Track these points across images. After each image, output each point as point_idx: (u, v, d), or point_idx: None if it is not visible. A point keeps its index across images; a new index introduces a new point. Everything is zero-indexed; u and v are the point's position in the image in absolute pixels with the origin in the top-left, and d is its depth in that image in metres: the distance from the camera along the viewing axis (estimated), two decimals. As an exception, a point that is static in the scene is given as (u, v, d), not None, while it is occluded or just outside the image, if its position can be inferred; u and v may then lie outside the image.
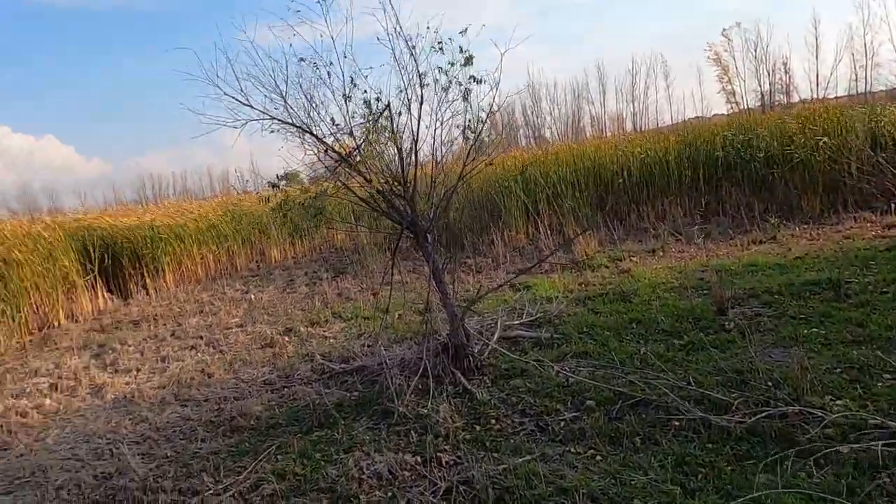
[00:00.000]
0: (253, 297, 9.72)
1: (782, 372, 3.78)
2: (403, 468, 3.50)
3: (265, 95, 4.24)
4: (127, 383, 6.10)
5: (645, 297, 6.18)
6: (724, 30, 43.85)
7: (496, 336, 5.32)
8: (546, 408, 3.96)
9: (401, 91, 4.40)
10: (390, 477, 3.43)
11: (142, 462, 4.20)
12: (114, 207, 13.46)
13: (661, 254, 8.55)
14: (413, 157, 4.47)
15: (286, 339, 6.91)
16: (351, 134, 4.39)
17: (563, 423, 3.73)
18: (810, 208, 9.80)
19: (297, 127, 4.29)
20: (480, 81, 4.59)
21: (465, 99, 4.64)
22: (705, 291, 6.08)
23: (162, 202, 18.85)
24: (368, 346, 6.07)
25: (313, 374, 5.52)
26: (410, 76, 4.41)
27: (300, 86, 4.34)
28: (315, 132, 4.32)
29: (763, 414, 3.26)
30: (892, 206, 8.64)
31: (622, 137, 14.89)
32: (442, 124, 4.70)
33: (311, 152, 4.44)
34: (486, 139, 4.95)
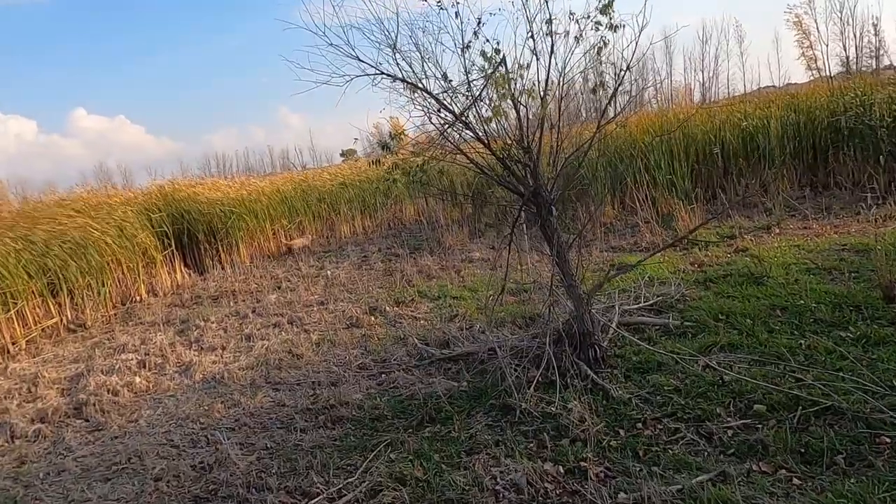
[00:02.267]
0: (329, 273, 9.43)
1: None
2: (545, 479, 2.99)
3: (376, 48, 3.73)
4: (214, 362, 5.86)
5: (780, 279, 5.41)
6: (806, -9, 40.73)
7: (615, 322, 4.72)
8: (703, 411, 3.35)
9: (525, 40, 3.79)
10: (531, 490, 2.92)
11: (241, 453, 3.87)
12: (181, 183, 13.48)
13: (777, 231, 7.65)
14: (539, 119, 3.87)
15: (373, 318, 6.51)
16: (468, 90, 3.82)
17: (731, 433, 3.12)
18: (949, 180, 8.60)
19: (407, 83, 3.76)
20: (616, 28, 3.92)
21: (599, 53, 4.00)
22: (855, 274, 5.26)
23: (227, 177, 18.97)
24: (466, 328, 5.57)
25: (411, 360, 5.09)
26: (538, 23, 3.78)
27: (410, 37, 3.79)
28: (427, 88, 3.78)
29: None
30: None
31: (718, 103, 13.68)
32: (568, 81, 4.06)
33: (421, 111, 3.90)
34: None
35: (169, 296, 9.54)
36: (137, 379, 5.53)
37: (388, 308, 6.82)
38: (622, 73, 3.85)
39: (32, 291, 7.76)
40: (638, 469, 2.93)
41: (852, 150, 9.75)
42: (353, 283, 8.56)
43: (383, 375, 4.87)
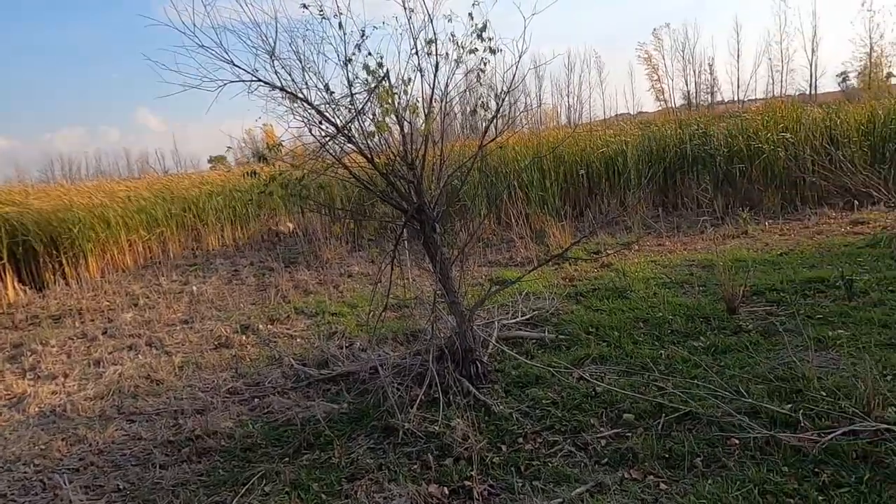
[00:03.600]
0: (195, 288, 8.72)
1: (835, 380, 3.49)
2: (429, 503, 2.93)
3: (252, 53, 3.49)
4: (54, 393, 5.14)
5: (641, 293, 5.85)
6: (654, 30, 45.51)
7: (494, 337, 4.81)
8: (579, 423, 3.48)
9: (410, 56, 3.76)
10: (416, 515, 2.85)
11: (86, 498, 3.40)
12: (17, 188, 11.84)
13: (637, 247, 8.32)
14: (423, 136, 3.85)
15: (244, 338, 6.10)
16: (351, 103, 3.70)
17: (604, 442, 3.27)
18: (772, 204, 9.91)
19: (287, 92, 3.56)
20: (495, 52, 4.02)
21: (479, 77, 4.08)
22: (702, 287, 5.83)
23: (75, 183, 17.00)
24: (347, 346, 5.40)
25: (287, 382, 4.80)
26: (422, 41, 3.78)
27: (290, 45, 3.61)
28: (308, 98, 3.61)
29: (839, 431, 2.92)
30: (854, 202, 8.81)
31: (583, 128, 14.69)
32: (449, 100, 4.10)
33: (301, 122, 3.71)
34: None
35: (-3, 316, 8.28)
36: (-47, 416, 4.69)
37: (261, 326, 6.43)
38: (504, 95, 3.96)
39: None
40: (520, 484, 2.96)
41: (695, 175, 10.93)
42: (223, 299, 7.99)
43: (256, 400, 4.54)
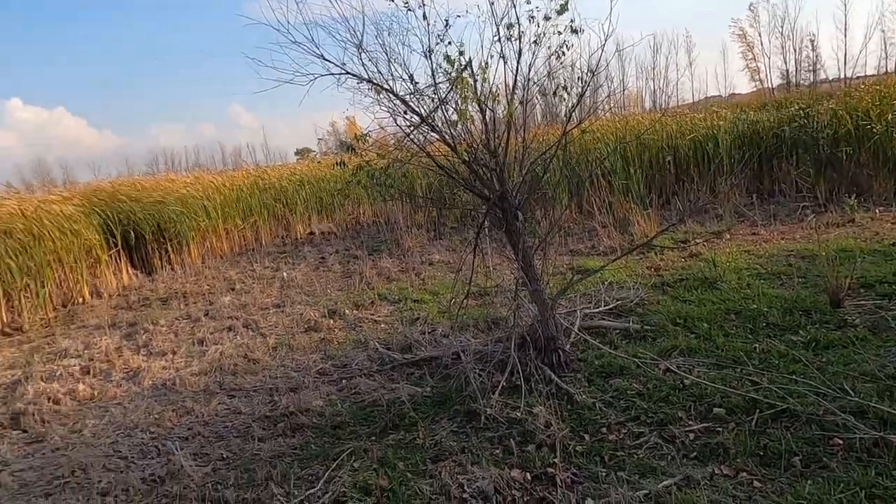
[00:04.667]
0: (285, 274, 9.20)
1: (957, 381, 3.20)
2: (512, 486, 2.97)
3: (341, 47, 3.63)
4: (164, 368, 5.61)
5: (733, 284, 5.58)
6: (750, 4, 42.47)
7: (576, 326, 4.76)
8: (666, 415, 3.40)
9: (492, 42, 3.77)
10: (499, 498, 2.89)
11: (195, 464, 3.70)
12: (128, 182, 12.93)
13: (728, 236, 7.91)
14: (505, 123, 3.85)
15: (332, 322, 6.37)
16: (434, 92, 3.77)
17: (692, 436, 3.18)
18: (882, 189, 9.10)
19: (373, 83, 3.68)
20: (576, 32, 3.94)
21: (560, 58, 4.02)
22: (801, 279, 5.48)
23: (178, 175, 18.28)
24: (429, 332, 5.52)
25: (372, 365, 4.99)
26: (504, 27, 3.77)
27: (377, 38, 3.72)
28: (394, 89, 3.71)
29: (962, 436, 2.68)
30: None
31: (669, 113, 14.08)
32: (531, 86, 4.07)
33: (387, 112, 3.82)
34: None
35: (114, 298, 9.12)
36: (81, 386, 5.23)
37: (347, 311, 6.70)
38: (588, 79, 3.88)
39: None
40: (604, 474, 2.94)
41: (794, 160, 10.21)
42: (311, 285, 8.39)
43: (344, 381, 4.76)
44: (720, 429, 3.18)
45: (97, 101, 59.06)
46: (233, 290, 8.66)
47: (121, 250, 10.18)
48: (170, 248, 10.97)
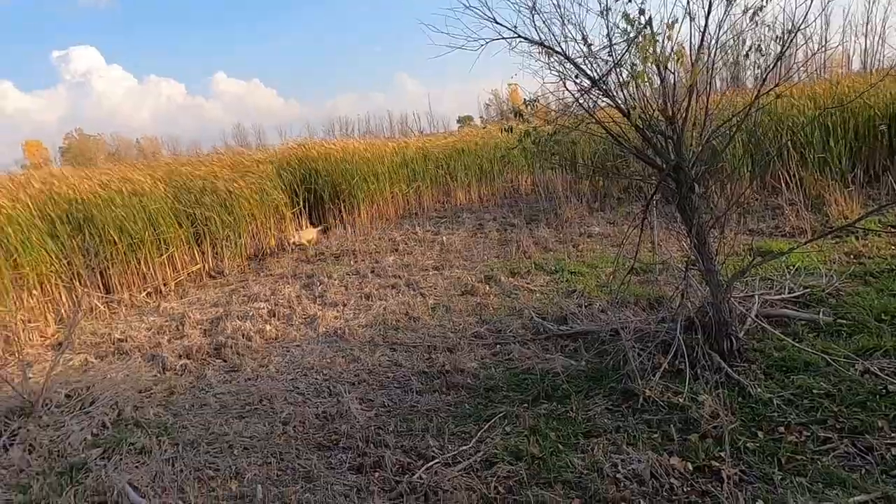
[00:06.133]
0: (444, 239, 9.52)
1: None
2: (670, 474, 2.82)
3: (515, 10, 3.58)
4: (336, 317, 6.15)
5: (962, 279, 4.66)
6: None
7: (753, 313, 4.31)
8: (861, 422, 2.98)
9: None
10: (655, 483, 2.77)
11: (360, 408, 4.03)
12: (313, 142, 14.21)
13: (958, 222, 6.61)
14: (686, 87, 3.54)
15: (488, 287, 6.49)
16: (609, 54, 3.56)
17: (895, 451, 2.75)
18: None
19: (545, 46, 3.58)
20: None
21: (755, 15, 3.56)
22: None
23: (351, 140, 19.62)
24: (585, 306, 5.38)
25: (527, 333, 5.01)
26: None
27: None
28: (566, 52, 3.57)
29: None
30: None
31: (884, 74, 11.93)
32: (720, 47, 3.67)
33: (556, 76, 3.70)
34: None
35: (296, 251, 10.15)
36: (268, 327, 5.94)
37: (503, 278, 6.76)
38: (791, 35, 3.39)
39: (181, 239, 8.57)
40: (780, 477, 2.67)
41: None
42: (469, 250, 8.59)
43: (498, 346, 4.84)
44: (934, 447, 2.71)
45: (285, 73, 65.32)
46: (396, 250, 9.17)
47: (301, 209, 11.26)
48: (343, 209, 11.89)
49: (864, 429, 2.93)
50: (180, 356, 5.43)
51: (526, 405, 3.74)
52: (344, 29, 69.26)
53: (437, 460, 3.21)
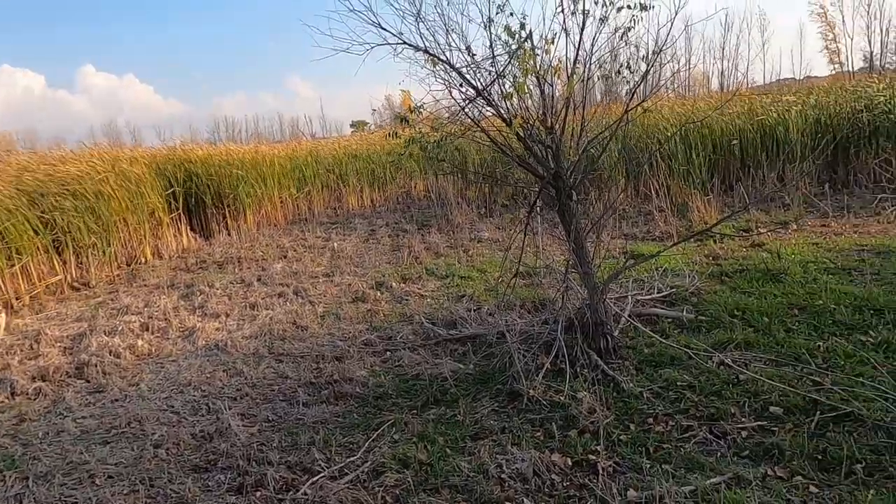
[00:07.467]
0: (335, 245, 9.34)
1: None
2: (551, 471, 2.92)
3: (399, 16, 3.57)
4: (217, 329, 5.80)
5: (798, 277, 5.28)
6: (832, -18, 39.50)
7: (627, 312, 4.62)
8: (717, 410, 3.26)
9: (555, 14, 3.62)
10: (538, 481, 2.86)
11: (242, 424, 3.82)
12: (191, 146, 13.35)
13: (795, 227, 7.50)
14: (564, 99, 3.71)
15: (379, 294, 6.43)
16: (492, 65, 3.66)
17: (745, 434, 3.04)
18: (973, 185, 8.40)
19: (430, 54, 3.60)
20: (646, 8, 3.74)
21: (626, 35, 3.83)
22: (875, 276, 5.13)
23: (237, 144, 18.70)
24: (475, 310, 5.49)
25: (417, 339, 5.01)
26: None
27: (436, 7, 3.63)
28: (450, 61, 3.62)
29: None
30: None
31: (738, 95, 13.34)
32: (593, 62, 3.90)
33: (442, 84, 3.74)
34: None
35: (174, 259, 9.49)
36: (140, 342, 5.48)
37: (394, 284, 6.74)
38: (654, 56, 3.68)
39: (38, 247, 7.70)
40: (649, 466, 2.86)
41: (874, 149, 9.53)
42: (360, 256, 8.48)
43: (388, 353, 4.80)
44: (776, 428, 3.03)
45: (164, 70, 61.11)
46: (285, 257, 8.85)
47: (181, 214, 10.56)
48: (227, 214, 11.30)
49: (720, 416, 3.21)
50: (34, 378, 4.86)
51: (415, 411, 3.73)
52: (232, 26, 65.92)
53: (322, 474, 3.11)
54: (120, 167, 9.57)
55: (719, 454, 2.91)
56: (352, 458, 3.24)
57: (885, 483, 2.54)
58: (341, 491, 2.93)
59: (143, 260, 9.26)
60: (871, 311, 4.34)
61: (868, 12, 39.67)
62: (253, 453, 3.41)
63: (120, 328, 5.86)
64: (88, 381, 4.80)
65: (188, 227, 10.69)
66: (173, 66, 62.15)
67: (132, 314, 6.41)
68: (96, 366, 4.98)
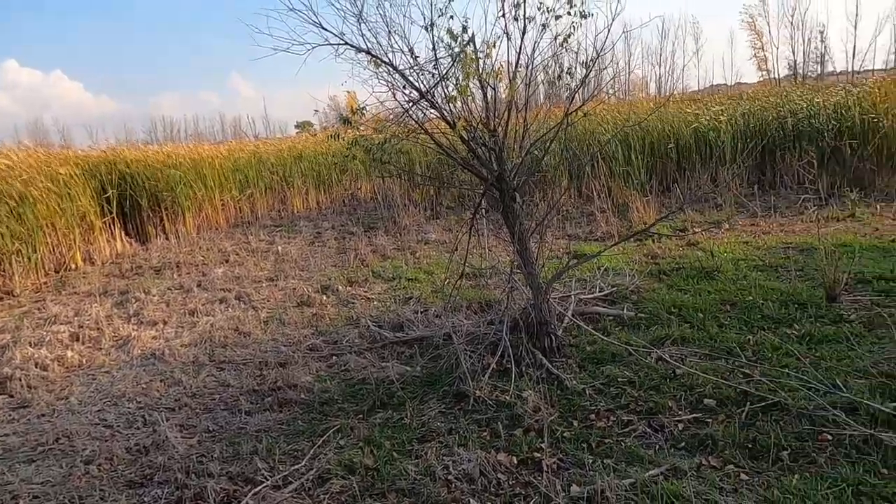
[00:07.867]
0: (280, 248, 9.14)
1: (950, 381, 3.18)
2: (498, 470, 2.95)
3: (340, 16, 3.53)
4: (154, 337, 5.57)
5: (730, 274, 5.54)
6: (760, -6, 41.63)
7: (570, 311, 4.72)
8: (656, 404, 3.37)
9: (497, 18, 3.66)
10: (484, 481, 2.87)
11: (180, 436, 3.68)
12: (126, 146, 12.78)
13: (727, 226, 7.86)
14: (506, 102, 3.76)
15: (325, 298, 6.33)
16: (435, 67, 3.67)
17: (681, 426, 3.16)
18: (885, 185, 9.04)
19: (372, 56, 3.58)
20: (585, 16, 3.84)
21: (566, 41, 3.92)
22: (799, 272, 5.44)
23: (176, 144, 18.05)
24: (422, 312, 5.48)
25: (363, 342, 4.96)
26: (509, 5, 3.67)
27: (378, 8, 3.61)
28: (393, 63, 3.61)
29: (952, 436, 2.66)
30: None
31: (674, 100, 13.90)
32: (535, 67, 3.98)
33: (385, 86, 3.72)
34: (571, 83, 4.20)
35: (107, 265, 9.06)
36: (69, 353, 5.20)
37: (340, 287, 6.65)
38: (592, 62, 3.78)
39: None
40: (591, 461, 2.92)
41: (797, 152, 10.11)
42: (305, 259, 8.33)
43: (334, 357, 4.73)
44: (710, 420, 3.16)
45: (95, 66, 58.22)
46: (227, 262, 8.60)
47: (115, 218, 10.09)
48: (165, 218, 10.88)
49: (658, 409, 3.33)
50: (-51, 395, 4.54)
51: (361, 416, 3.69)
52: (169, 20, 63.40)
53: (266, 484, 3.03)
54: (47, 169, 9.05)
55: (657, 447, 3.01)
56: (296, 466, 3.17)
57: (808, 468, 2.69)
58: (285, 500, 2.86)
59: (74, 266, 8.79)
60: (796, 306, 4.60)
61: (791, 23, 42.06)
62: (192, 465, 3.29)
63: (47, 338, 5.54)
64: (12, 396, 4.51)
65: (123, 232, 10.23)
66: (105, 63, 59.20)
67: (61, 323, 6.08)
68: (20, 379, 4.69)
